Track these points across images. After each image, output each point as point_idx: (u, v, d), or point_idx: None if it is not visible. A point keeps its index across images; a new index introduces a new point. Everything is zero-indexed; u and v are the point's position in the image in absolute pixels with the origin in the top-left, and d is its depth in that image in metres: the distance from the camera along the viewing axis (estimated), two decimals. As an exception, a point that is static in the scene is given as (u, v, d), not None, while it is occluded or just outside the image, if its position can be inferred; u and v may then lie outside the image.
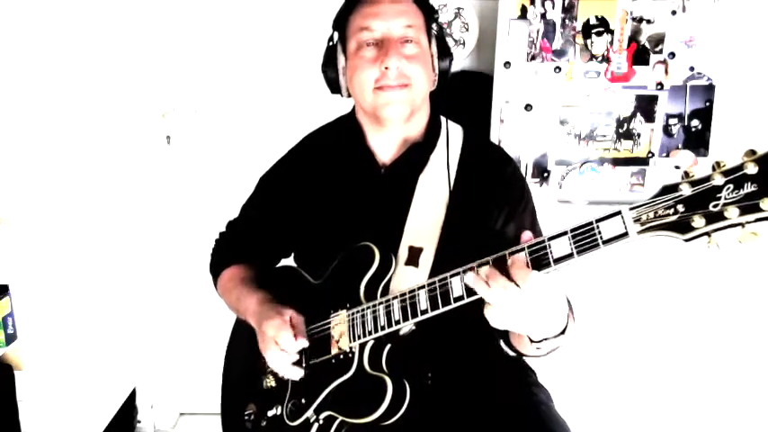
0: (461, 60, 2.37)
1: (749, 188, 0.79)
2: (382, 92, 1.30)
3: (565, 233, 0.95)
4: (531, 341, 1.13)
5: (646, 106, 2.24)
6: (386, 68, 1.29)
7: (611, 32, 2.19)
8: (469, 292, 1.06)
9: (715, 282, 2.40)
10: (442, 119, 1.45)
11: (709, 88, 2.22)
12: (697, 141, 2.25)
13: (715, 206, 0.82)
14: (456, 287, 1.08)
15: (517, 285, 0.98)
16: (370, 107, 1.34)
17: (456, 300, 1.08)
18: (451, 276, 1.09)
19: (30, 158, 1.89)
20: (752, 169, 0.79)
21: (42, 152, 1.95)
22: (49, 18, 1.95)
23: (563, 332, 1.10)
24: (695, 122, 2.24)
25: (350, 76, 1.36)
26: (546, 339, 1.10)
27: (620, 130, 2.25)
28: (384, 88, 1.30)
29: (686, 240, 0.84)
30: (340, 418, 1.24)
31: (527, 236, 1.02)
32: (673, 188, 0.86)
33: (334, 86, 1.42)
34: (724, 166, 0.81)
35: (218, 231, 1.64)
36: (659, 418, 2.52)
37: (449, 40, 1.88)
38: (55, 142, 2.01)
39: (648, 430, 2.53)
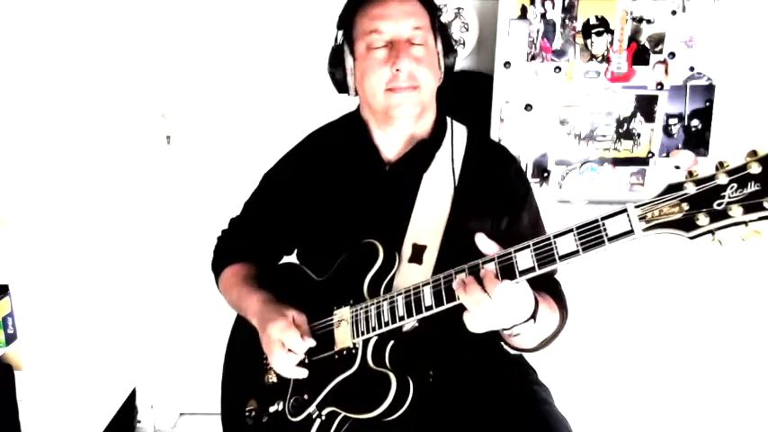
0: (461, 60, 2.37)
1: (753, 187, 0.81)
2: (394, 93, 1.32)
3: (570, 230, 0.97)
4: (504, 330, 1.18)
5: (646, 106, 2.24)
6: (397, 71, 1.30)
7: (611, 32, 2.20)
8: None
9: (716, 280, 2.40)
10: (447, 118, 1.46)
11: (709, 88, 2.22)
12: (697, 141, 2.25)
13: (719, 204, 0.83)
14: None
15: (488, 295, 1.04)
16: (381, 107, 1.35)
17: None
18: (456, 273, 1.11)
19: (30, 159, 1.89)
20: (755, 169, 0.80)
21: (42, 152, 1.95)
22: (48, 18, 1.95)
23: (533, 317, 1.15)
24: (695, 122, 2.24)
25: (360, 78, 1.36)
26: (516, 326, 1.15)
27: (620, 130, 2.26)
28: (395, 90, 1.32)
29: (691, 238, 0.86)
30: (342, 413, 1.25)
31: (482, 242, 1.09)
32: (677, 187, 0.87)
33: (342, 87, 1.42)
34: (728, 165, 0.83)
35: (221, 229, 1.64)
36: (660, 416, 2.53)
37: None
38: (55, 142, 2.01)
39: (649, 429, 2.53)
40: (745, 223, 0.81)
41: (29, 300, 1.85)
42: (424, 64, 1.32)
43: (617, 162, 2.28)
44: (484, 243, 1.09)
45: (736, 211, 0.81)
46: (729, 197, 0.82)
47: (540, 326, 1.20)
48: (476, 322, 1.09)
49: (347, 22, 1.39)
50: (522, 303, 1.11)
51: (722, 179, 0.83)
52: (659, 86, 2.22)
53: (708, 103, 2.23)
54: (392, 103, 1.33)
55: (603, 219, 0.93)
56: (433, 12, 1.38)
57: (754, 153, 0.82)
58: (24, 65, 1.85)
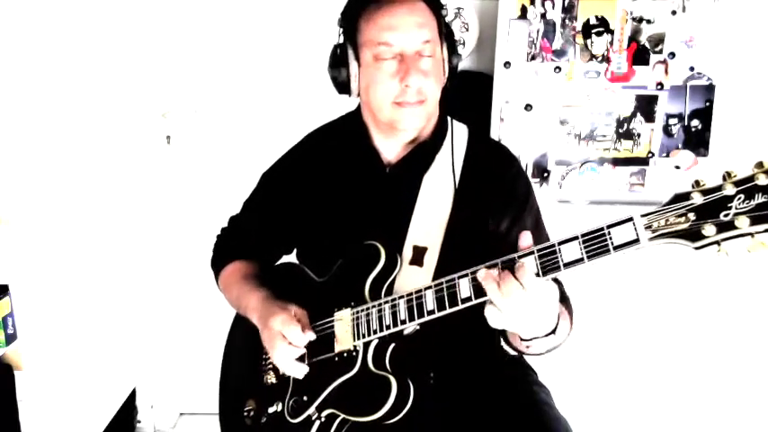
0: (461, 60, 2.37)
1: (760, 199, 0.81)
2: (401, 108, 1.30)
3: (575, 238, 0.97)
4: (522, 339, 1.16)
5: (646, 106, 2.24)
6: (406, 86, 1.28)
7: (611, 32, 2.19)
8: (477, 293, 1.07)
9: (718, 285, 2.40)
10: (448, 118, 1.45)
11: (709, 88, 2.22)
12: (697, 141, 2.25)
13: (726, 215, 0.83)
14: (464, 288, 1.09)
15: (523, 287, 1.01)
16: (387, 119, 1.33)
17: (464, 301, 1.09)
18: (459, 278, 1.10)
19: (30, 158, 1.88)
20: (763, 180, 0.81)
21: (42, 152, 1.94)
22: (48, 18, 1.94)
23: (553, 332, 1.14)
24: (695, 122, 2.24)
25: (365, 87, 1.33)
26: (536, 338, 1.14)
27: (620, 130, 2.26)
28: (403, 104, 1.29)
29: (696, 248, 0.86)
30: (342, 416, 1.25)
31: (526, 240, 1.06)
32: (684, 196, 0.87)
33: (344, 88, 1.38)
34: (735, 176, 0.83)
35: (221, 227, 1.64)
36: (659, 418, 2.53)
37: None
38: (55, 142, 2.01)
39: (648, 430, 2.54)
40: (752, 235, 0.81)
41: (29, 300, 1.85)
42: (432, 75, 1.30)
43: (617, 162, 2.28)
44: (526, 240, 1.07)
45: (743, 223, 0.81)
46: (736, 208, 0.82)
47: (558, 337, 1.19)
48: (501, 316, 1.06)
49: (351, 23, 1.35)
50: (547, 317, 1.10)
51: (729, 190, 0.83)
52: (659, 86, 2.22)
53: (708, 103, 2.23)
54: (399, 117, 1.31)
55: (609, 227, 0.93)
56: (440, 15, 1.35)
57: (761, 165, 0.82)
58: (25, 65, 1.85)
